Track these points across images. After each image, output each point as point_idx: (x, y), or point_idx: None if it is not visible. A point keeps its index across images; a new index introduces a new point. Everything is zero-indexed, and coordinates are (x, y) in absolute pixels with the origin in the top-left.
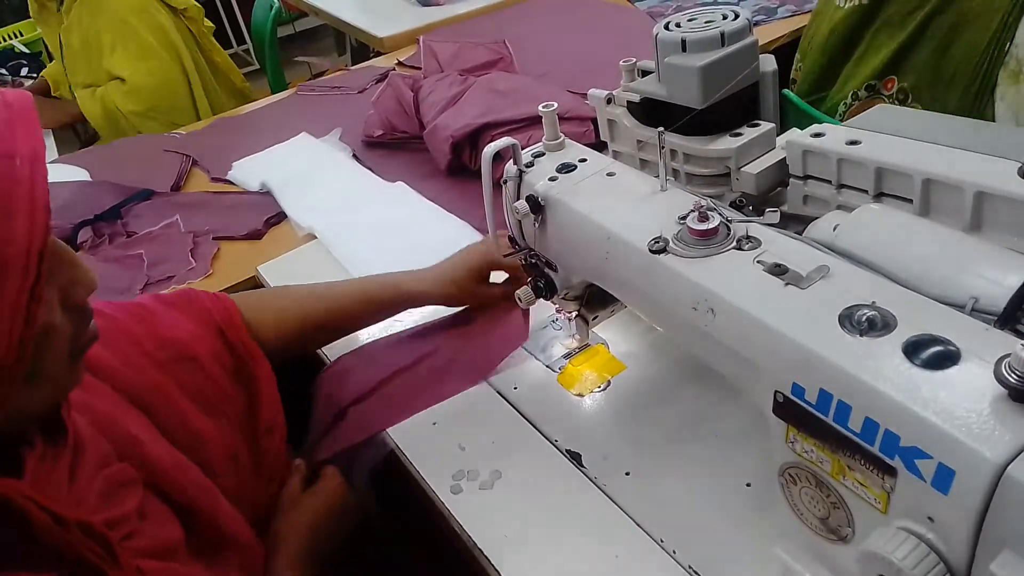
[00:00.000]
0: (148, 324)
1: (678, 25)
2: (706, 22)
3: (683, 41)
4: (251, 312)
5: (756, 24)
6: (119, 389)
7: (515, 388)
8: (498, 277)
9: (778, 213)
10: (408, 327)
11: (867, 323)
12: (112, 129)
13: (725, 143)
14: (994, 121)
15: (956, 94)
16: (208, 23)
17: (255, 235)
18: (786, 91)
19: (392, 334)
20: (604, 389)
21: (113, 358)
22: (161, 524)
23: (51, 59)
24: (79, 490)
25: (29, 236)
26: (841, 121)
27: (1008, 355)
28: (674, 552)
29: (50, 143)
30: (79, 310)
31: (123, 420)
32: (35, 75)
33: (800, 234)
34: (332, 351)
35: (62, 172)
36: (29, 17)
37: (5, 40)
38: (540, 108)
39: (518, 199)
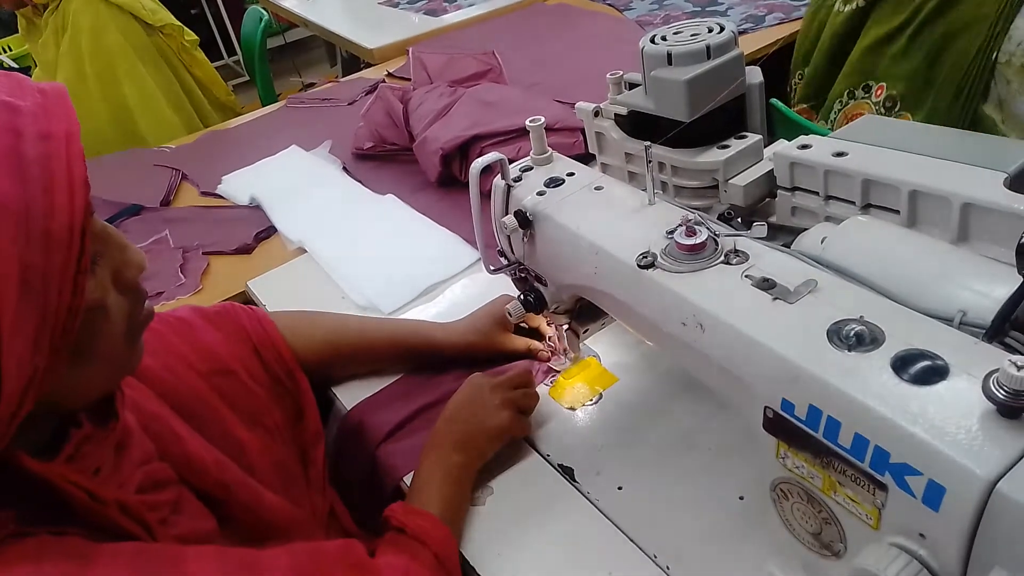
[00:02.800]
0: (188, 336)
1: (664, 38)
2: (692, 35)
3: (669, 54)
4: (286, 330)
5: (744, 32)
6: (162, 395)
7: None
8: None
9: (765, 226)
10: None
11: (855, 338)
12: None
13: (712, 155)
14: (983, 126)
15: (945, 101)
16: (191, 36)
17: (245, 250)
18: (774, 100)
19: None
20: (596, 402)
21: (156, 366)
22: (194, 518)
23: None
24: (121, 476)
25: (71, 210)
26: (834, 122)
27: (996, 370)
28: (668, 568)
29: None
30: (132, 290)
31: (168, 419)
32: None
33: (788, 246)
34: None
35: None
36: (18, 31)
37: None
38: (527, 123)
39: (507, 214)
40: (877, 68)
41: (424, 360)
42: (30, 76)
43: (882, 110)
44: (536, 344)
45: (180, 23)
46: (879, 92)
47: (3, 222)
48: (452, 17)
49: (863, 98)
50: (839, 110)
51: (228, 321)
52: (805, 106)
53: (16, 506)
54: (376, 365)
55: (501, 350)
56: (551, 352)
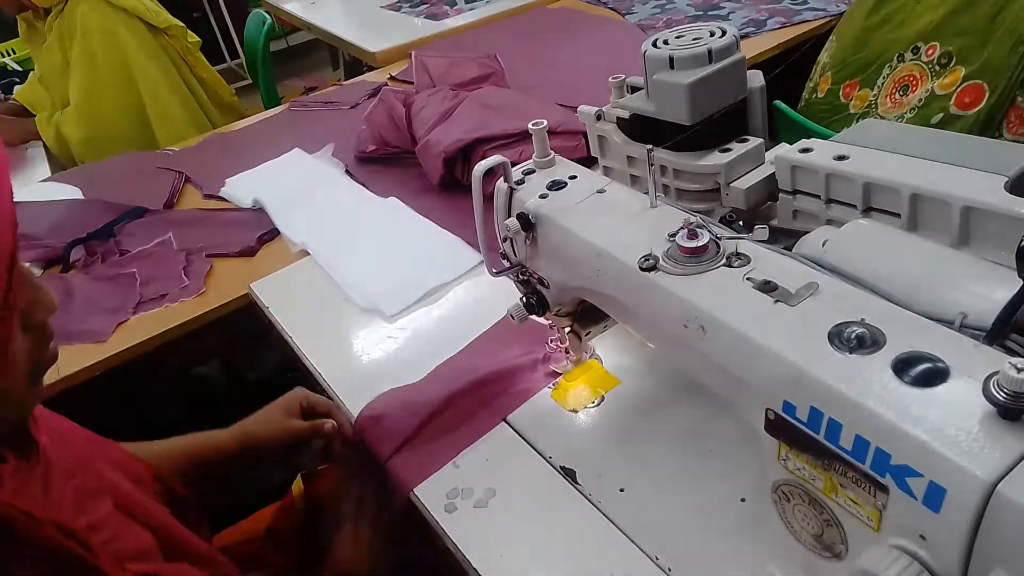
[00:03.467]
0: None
1: (666, 42)
2: (694, 39)
3: (671, 58)
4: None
5: (745, 36)
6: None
7: None
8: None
9: (767, 229)
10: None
11: (856, 340)
12: (66, 156)
13: (714, 159)
14: None
15: (1002, 52)
16: (194, 37)
17: (248, 252)
18: (778, 102)
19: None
20: (598, 404)
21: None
22: (133, 532)
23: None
24: (54, 499)
25: None
26: (881, 87)
27: (997, 372)
28: (669, 570)
29: (43, 161)
30: (39, 330)
31: (81, 442)
32: None
33: (790, 249)
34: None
35: (55, 191)
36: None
37: None
38: (530, 126)
39: (509, 216)
40: (931, 27)
41: (217, 465)
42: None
43: (936, 67)
44: (320, 422)
45: (183, 24)
46: (930, 52)
47: None
48: (454, 21)
49: (912, 60)
50: (887, 75)
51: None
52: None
53: None
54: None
55: (288, 435)
56: None
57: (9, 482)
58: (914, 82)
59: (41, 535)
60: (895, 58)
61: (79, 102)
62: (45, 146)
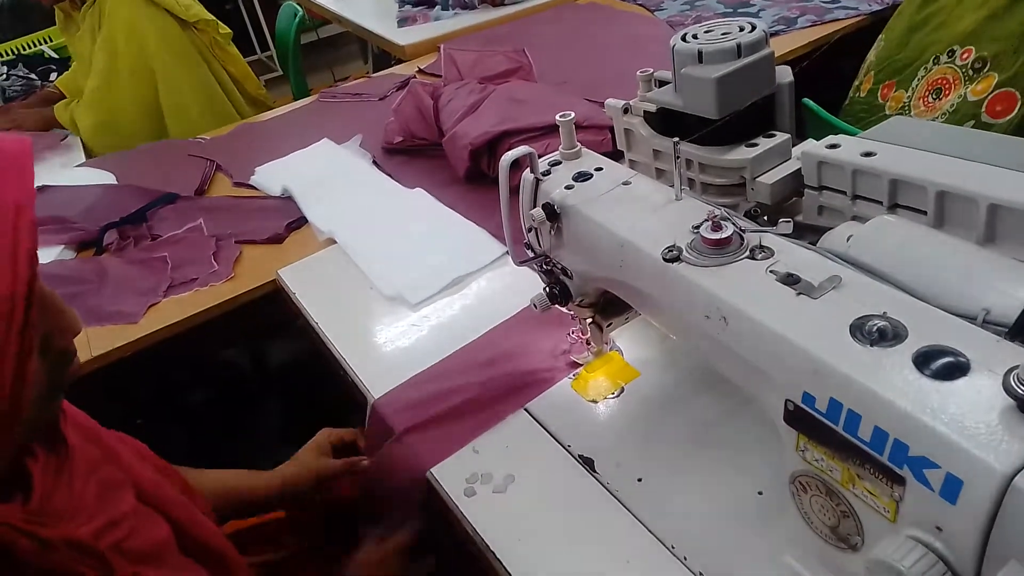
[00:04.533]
0: None
1: (695, 36)
2: (723, 34)
3: (700, 52)
4: None
5: (775, 34)
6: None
7: None
8: None
9: (791, 223)
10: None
11: (878, 333)
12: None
13: (740, 153)
14: None
15: None
16: (225, 29)
17: (276, 239)
18: (806, 100)
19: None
20: (618, 395)
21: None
22: (152, 524)
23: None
24: (76, 496)
25: (12, 283)
26: (915, 90)
27: (1017, 367)
28: (685, 559)
29: (77, 147)
30: (61, 353)
31: (98, 431)
32: None
33: (814, 244)
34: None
35: (89, 176)
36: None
37: (35, 45)
38: (557, 118)
39: (534, 207)
40: (969, 30)
41: (250, 508)
42: (68, 67)
43: (970, 72)
44: (355, 459)
45: (213, 18)
46: (965, 56)
47: None
48: (483, 15)
49: (947, 63)
50: (922, 77)
51: None
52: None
53: None
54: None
55: (324, 475)
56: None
57: (39, 482)
58: (947, 86)
59: (48, 557)
60: (931, 60)
61: (93, 89)
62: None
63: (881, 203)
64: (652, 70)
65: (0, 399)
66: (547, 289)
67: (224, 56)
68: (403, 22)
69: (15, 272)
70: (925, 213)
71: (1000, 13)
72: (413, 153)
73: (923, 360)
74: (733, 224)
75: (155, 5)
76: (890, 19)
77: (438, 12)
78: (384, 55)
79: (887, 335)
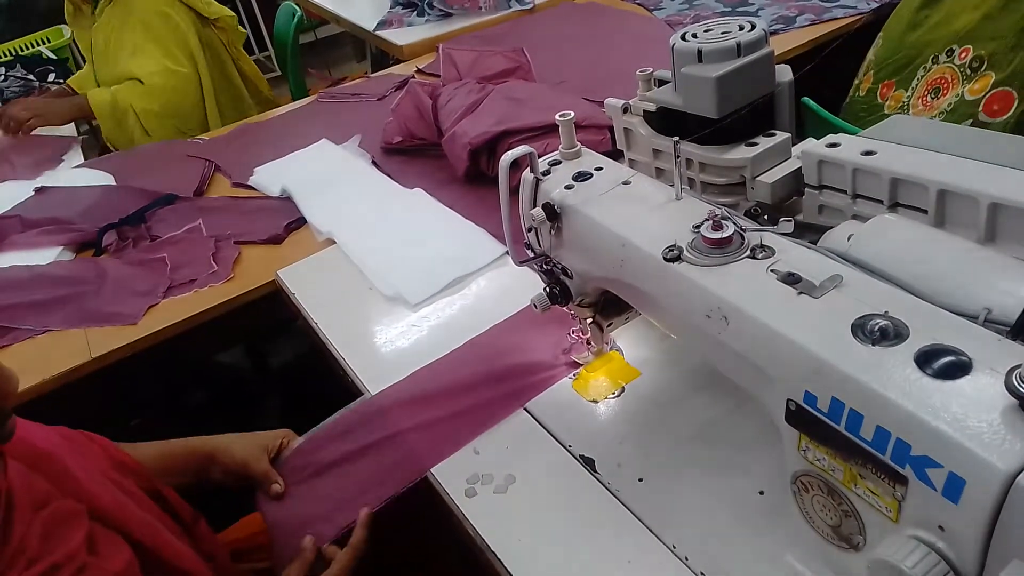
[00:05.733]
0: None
1: (694, 35)
2: (722, 32)
3: (699, 51)
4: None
5: (775, 33)
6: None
7: None
8: None
9: (792, 222)
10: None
11: (879, 332)
12: (116, 126)
13: (740, 152)
14: None
15: None
16: (241, 30)
17: (275, 240)
18: (806, 99)
19: (435, 361)
20: (618, 395)
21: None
22: (111, 553)
23: (80, 64)
24: (15, 542)
25: None
26: (914, 90)
27: (1019, 366)
28: (686, 559)
29: (76, 148)
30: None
31: (61, 458)
32: (62, 81)
33: (815, 243)
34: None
35: (88, 177)
36: (57, 23)
37: (33, 46)
38: (557, 117)
39: (534, 207)
40: (966, 30)
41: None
42: (66, 67)
43: (967, 71)
44: (271, 480)
45: (234, 15)
46: (963, 55)
47: None
48: (482, 15)
49: (946, 62)
50: (921, 76)
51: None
52: (888, 80)
53: None
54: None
55: (244, 470)
56: None
57: None
58: (945, 85)
59: None
60: (930, 59)
61: (152, 73)
62: (79, 132)
63: (882, 202)
64: (651, 69)
65: None
66: (547, 289)
67: (239, 56)
68: (381, 25)
69: None
70: (926, 212)
71: (996, 12)
72: (412, 153)
73: (925, 359)
74: (734, 223)
75: (178, 1)
76: (889, 18)
77: (413, 19)
78: (382, 55)
79: (888, 334)
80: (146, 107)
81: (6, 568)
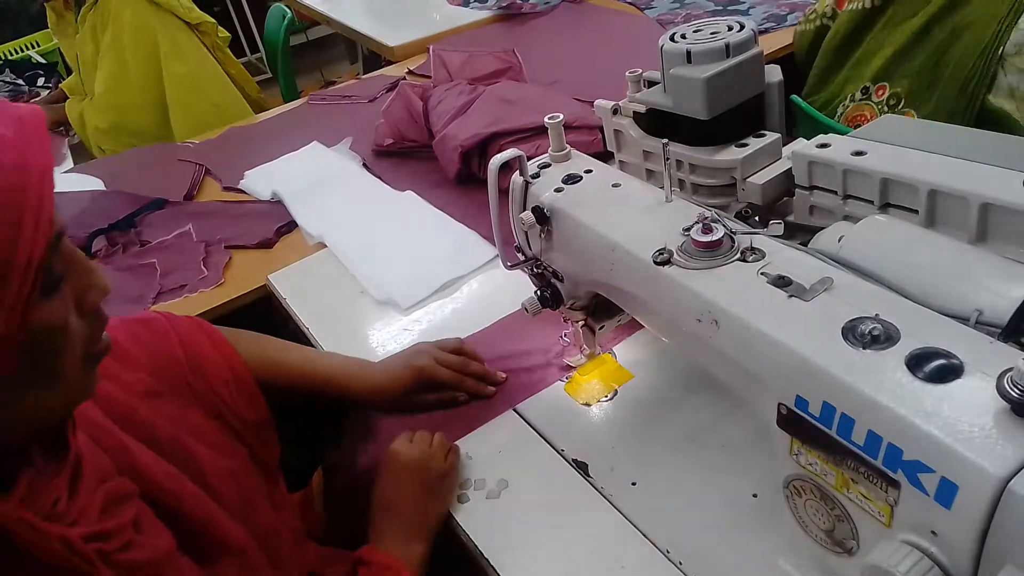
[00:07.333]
0: (149, 348)
1: (684, 36)
2: (711, 33)
3: (688, 52)
4: (234, 341)
5: (765, 31)
6: (107, 411)
7: None
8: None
9: (782, 225)
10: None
11: (870, 336)
12: (85, 139)
13: (731, 154)
14: (992, 118)
15: (951, 95)
16: (224, 33)
17: (266, 244)
18: (794, 97)
19: None
20: (611, 399)
21: (108, 388)
22: (155, 534)
23: (68, 70)
24: (80, 505)
25: (33, 244)
26: (841, 116)
27: (1011, 369)
28: (680, 563)
29: (66, 153)
30: (93, 315)
31: (116, 433)
32: (51, 85)
33: (806, 244)
34: None
35: (77, 181)
36: (46, 27)
37: (22, 51)
38: (546, 120)
39: (524, 210)
40: (880, 68)
41: (351, 398)
42: (58, 72)
43: (885, 108)
44: (447, 395)
45: (214, 20)
46: (880, 92)
47: None
48: (472, 15)
49: (862, 100)
50: (842, 113)
51: (151, 329)
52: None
53: None
54: (300, 394)
55: (415, 407)
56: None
57: (25, 484)
58: (864, 122)
59: (45, 548)
60: (848, 98)
61: (103, 92)
62: (69, 138)
63: (872, 202)
64: (641, 70)
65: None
66: (538, 292)
67: (225, 59)
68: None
69: (36, 237)
70: (916, 212)
71: (906, 50)
72: (403, 155)
73: (916, 362)
74: (724, 226)
75: (159, 7)
76: (816, 59)
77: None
78: (373, 57)
79: (879, 337)
80: (96, 124)
81: (58, 525)
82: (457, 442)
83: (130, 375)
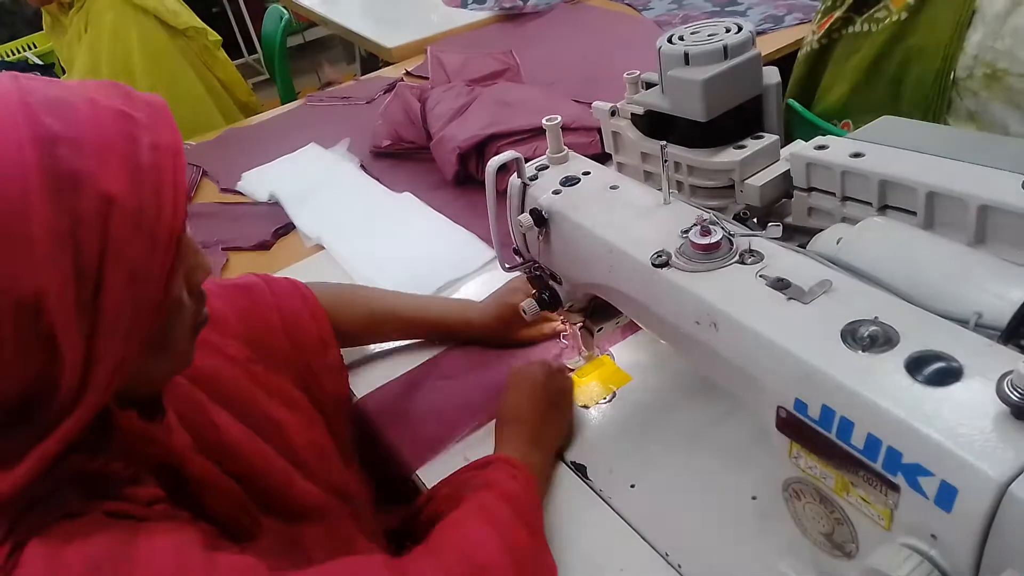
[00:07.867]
0: (247, 316)
1: (681, 38)
2: (709, 35)
3: (686, 54)
4: (329, 300)
5: (763, 32)
6: (195, 381)
7: None
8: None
9: (780, 227)
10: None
11: (869, 339)
12: None
13: (729, 155)
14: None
15: None
16: (214, 36)
17: (264, 246)
18: (791, 101)
19: (423, 364)
20: (609, 401)
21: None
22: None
23: (64, 72)
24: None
25: (174, 215)
26: None
27: (1011, 372)
28: (679, 566)
29: None
30: (197, 291)
31: (204, 406)
32: None
33: (804, 246)
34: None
35: None
36: (42, 29)
37: (19, 52)
38: (544, 121)
39: (522, 212)
40: (841, 105)
41: (452, 337)
42: (53, 74)
43: None
44: (548, 327)
45: (203, 25)
46: (844, 127)
47: (120, 221)
48: (470, 16)
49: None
50: None
51: (251, 297)
52: None
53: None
54: (407, 338)
55: (517, 338)
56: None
57: (127, 443)
58: None
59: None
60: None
61: None
62: None
63: (870, 204)
64: (638, 72)
65: (153, 326)
66: (536, 295)
67: (213, 62)
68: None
69: (175, 208)
70: (915, 214)
71: (861, 86)
72: (401, 157)
73: (915, 365)
74: (722, 228)
75: (143, 11)
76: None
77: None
78: (371, 58)
79: (878, 340)
80: None
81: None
82: (456, 443)
83: (224, 341)
